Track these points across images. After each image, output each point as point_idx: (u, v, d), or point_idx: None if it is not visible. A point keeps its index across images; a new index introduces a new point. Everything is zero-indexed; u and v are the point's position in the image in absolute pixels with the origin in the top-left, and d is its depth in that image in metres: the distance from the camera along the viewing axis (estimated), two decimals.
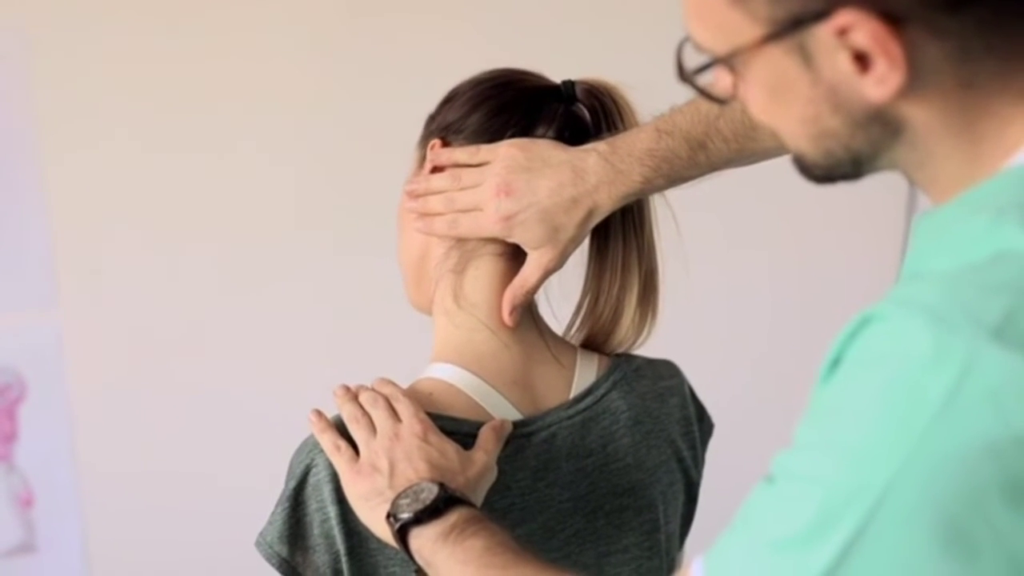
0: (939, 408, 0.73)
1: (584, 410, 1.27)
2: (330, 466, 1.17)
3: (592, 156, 1.22)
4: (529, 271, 1.23)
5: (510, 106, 1.25)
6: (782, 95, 0.83)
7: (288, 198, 2.48)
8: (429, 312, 1.29)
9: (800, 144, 0.86)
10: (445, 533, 1.07)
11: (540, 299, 1.29)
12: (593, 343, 1.31)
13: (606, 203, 1.22)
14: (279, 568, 1.18)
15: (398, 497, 1.11)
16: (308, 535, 1.18)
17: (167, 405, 2.45)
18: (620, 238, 1.27)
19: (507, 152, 1.22)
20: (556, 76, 1.30)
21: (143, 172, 2.43)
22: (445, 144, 1.25)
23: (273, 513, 1.19)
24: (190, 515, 2.46)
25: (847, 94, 0.81)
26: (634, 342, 1.31)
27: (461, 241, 1.25)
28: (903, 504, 0.73)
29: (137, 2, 2.41)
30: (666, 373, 1.35)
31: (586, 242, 1.28)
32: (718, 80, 0.88)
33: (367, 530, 1.16)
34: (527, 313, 1.26)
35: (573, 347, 1.30)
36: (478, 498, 1.15)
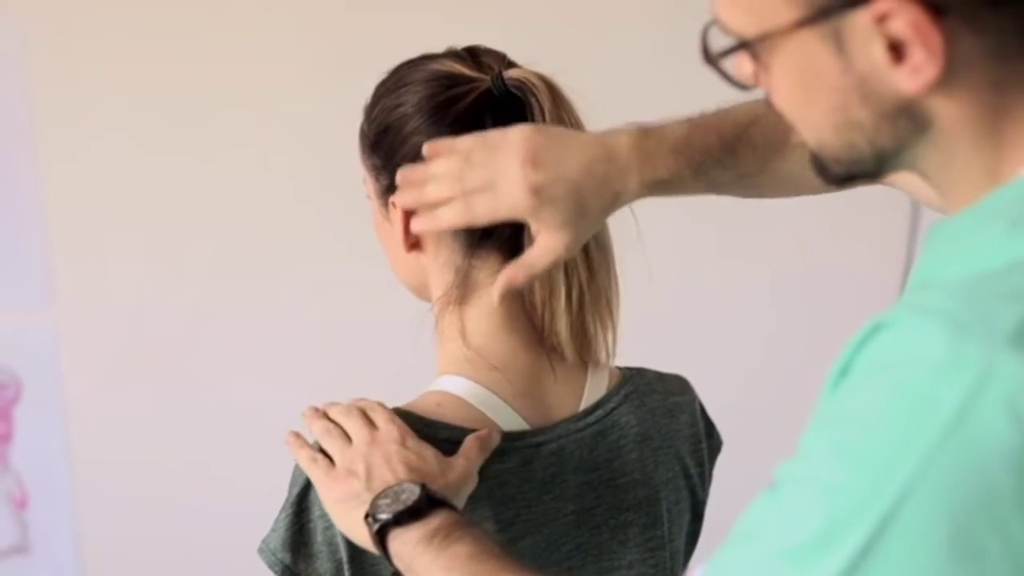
0: (954, 416, 0.72)
1: (594, 423, 1.25)
2: None
3: (623, 137, 1.12)
4: (538, 253, 1.11)
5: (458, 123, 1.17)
6: (810, 83, 0.82)
7: (287, 198, 2.47)
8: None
9: (823, 135, 0.84)
10: (428, 537, 1.05)
11: None
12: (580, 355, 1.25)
13: (634, 188, 1.12)
14: None
15: (377, 498, 1.08)
16: (311, 542, 1.16)
17: (163, 406, 2.44)
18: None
19: (524, 130, 1.11)
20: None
21: (141, 171, 2.42)
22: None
23: (276, 520, 1.17)
24: (186, 517, 2.44)
25: (877, 85, 0.80)
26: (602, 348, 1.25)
27: (462, 278, 1.20)
28: (917, 514, 0.72)
29: (136, 0, 2.40)
30: (677, 389, 1.33)
31: None
32: (739, 66, 0.86)
33: None
34: (533, 324, 1.22)
35: (585, 360, 1.27)
36: (459, 503, 1.13)
